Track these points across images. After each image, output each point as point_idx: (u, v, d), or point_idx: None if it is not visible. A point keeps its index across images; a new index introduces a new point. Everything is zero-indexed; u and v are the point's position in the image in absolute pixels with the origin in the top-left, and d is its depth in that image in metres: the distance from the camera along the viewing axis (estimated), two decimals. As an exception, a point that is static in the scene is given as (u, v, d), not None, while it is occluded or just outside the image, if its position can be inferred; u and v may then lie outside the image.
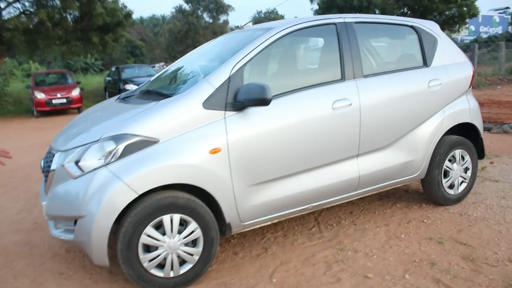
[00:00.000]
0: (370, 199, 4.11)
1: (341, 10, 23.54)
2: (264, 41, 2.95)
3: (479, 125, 3.97)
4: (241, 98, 2.70)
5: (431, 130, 3.56)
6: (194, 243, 2.72)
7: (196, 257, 2.72)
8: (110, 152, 2.50)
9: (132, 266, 2.57)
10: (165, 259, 2.63)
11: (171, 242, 2.62)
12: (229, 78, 2.76)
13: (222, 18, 41.98)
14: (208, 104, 2.69)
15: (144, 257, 2.58)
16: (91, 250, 2.52)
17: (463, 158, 3.87)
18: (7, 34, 13.20)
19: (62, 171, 2.62)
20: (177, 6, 43.17)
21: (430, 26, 3.80)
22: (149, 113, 2.66)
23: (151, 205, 2.53)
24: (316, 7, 25.85)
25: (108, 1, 15.51)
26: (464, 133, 3.95)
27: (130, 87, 13.72)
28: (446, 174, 3.80)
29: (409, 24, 3.70)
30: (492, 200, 3.96)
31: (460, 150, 3.82)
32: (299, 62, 3.90)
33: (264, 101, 2.67)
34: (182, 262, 2.71)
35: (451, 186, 3.86)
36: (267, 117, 2.83)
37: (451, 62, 3.76)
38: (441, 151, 3.67)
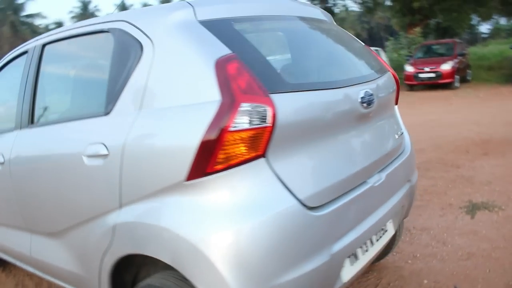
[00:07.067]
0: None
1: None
2: None
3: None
4: None
5: (96, 239, 1.79)
6: None
7: None
8: None
9: None
10: None
11: None
12: None
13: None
14: None
15: None
16: None
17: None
18: (415, 4, 13.79)
19: None
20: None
21: (143, 23, 1.71)
22: None
23: None
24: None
25: None
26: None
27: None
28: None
29: (106, 27, 1.86)
30: None
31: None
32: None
33: None
34: None
35: None
36: None
37: (181, 102, 1.50)
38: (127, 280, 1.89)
